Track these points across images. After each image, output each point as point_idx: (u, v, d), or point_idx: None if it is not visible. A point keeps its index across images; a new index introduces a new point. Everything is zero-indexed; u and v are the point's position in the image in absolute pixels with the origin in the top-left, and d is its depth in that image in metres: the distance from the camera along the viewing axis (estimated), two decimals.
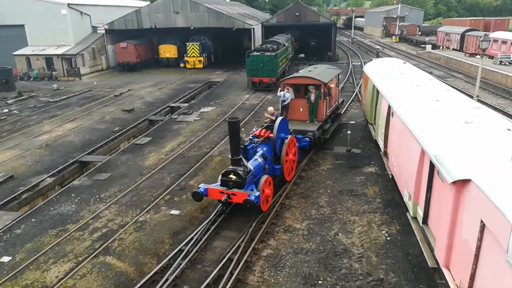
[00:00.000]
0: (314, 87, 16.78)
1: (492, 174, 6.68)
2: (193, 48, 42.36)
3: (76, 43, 41.72)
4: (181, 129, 21.76)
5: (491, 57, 37.81)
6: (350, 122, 21.67)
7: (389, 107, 13.64)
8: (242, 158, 11.65)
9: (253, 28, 41.29)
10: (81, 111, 26.65)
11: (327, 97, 17.50)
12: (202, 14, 41.36)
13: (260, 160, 12.56)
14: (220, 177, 11.82)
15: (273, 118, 14.40)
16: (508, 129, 8.55)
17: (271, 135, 13.25)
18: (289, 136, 13.92)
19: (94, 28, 44.48)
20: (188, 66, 42.60)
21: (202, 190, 11.56)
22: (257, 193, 11.25)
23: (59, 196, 14.26)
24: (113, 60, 43.97)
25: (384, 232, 11.19)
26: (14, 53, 40.52)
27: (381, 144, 15.38)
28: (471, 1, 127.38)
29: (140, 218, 12.44)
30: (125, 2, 58.88)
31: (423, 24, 76.77)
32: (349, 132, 18.04)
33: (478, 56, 36.56)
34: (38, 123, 24.16)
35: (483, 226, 6.33)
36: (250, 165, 12.01)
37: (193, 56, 42.45)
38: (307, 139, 15.88)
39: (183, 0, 42.21)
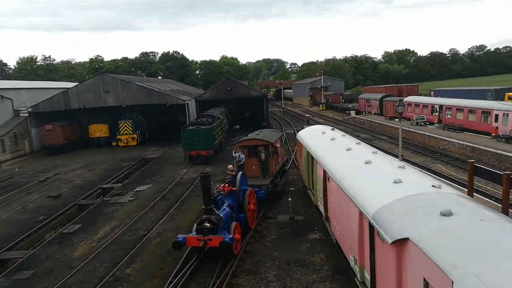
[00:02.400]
0: (263, 147, 19.51)
1: (426, 231, 6.84)
2: (125, 125, 41.67)
3: None
4: (115, 211, 20.38)
5: (408, 119, 41.65)
6: (290, 188, 21.86)
7: (325, 172, 14.00)
8: (213, 208, 13.42)
9: (187, 103, 42.03)
10: None
11: (275, 155, 20.28)
12: (133, 92, 41.48)
13: (227, 209, 14.41)
14: (195, 226, 13.43)
15: (234, 173, 16.34)
16: (433, 186, 9.02)
17: (234, 188, 15.37)
18: (249, 188, 16.13)
19: (17, 112, 42.36)
20: (120, 144, 41.51)
21: (181, 239, 13.14)
22: (231, 235, 13.12)
23: None
24: (38, 144, 41.48)
25: None
26: None
27: (321, 209, 15.51)
28: (384, 70, 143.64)
29: None
30: (51, 84, 57.63)
31: (345, 93, 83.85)
32: (290, 199, 18.09)
33: (397, 119, 40.12)
34: None
35: (426, 285, 6.31)
36: (221, 213, 13.71)
37: (126, 134, 41.62)
38: (263, 191, 18.12)
39: (113, 80, 42.35)
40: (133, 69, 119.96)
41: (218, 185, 15.84)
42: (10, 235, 18.40)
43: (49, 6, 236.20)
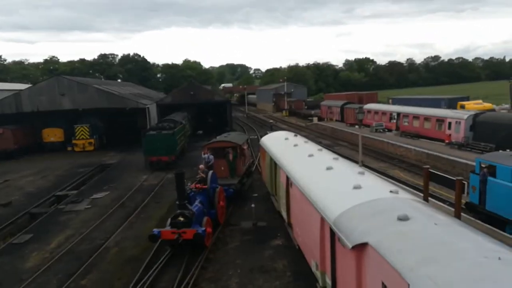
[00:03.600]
0: (231, 148, 20.50)
1: (384, 235, 6.99)
2: (82, 130, 40.12)
3: None
4: (70, 220, 19.48)
5: (368, 126, 42.85)
6: (253, 195, 21.77)
7: (288, 178, 14.08)
8: (186, 204, 14.34)
9: (148, 108, 41.10)
10: None
11: (242, 157, 21.38)
12: (91, 95, 40.05)
13: (199, 205, 15.32)
14: (169, 221, 14.15)
15: (204, 175, 16.94)
16: (391, 191, 9.28)
17: (205, 186, 16.22)
18: (219, 186, 17.17)
19: None
20: (77, 149, 39.90)
21: (156, 232, 13.90)
22: (203, 228, 14.10)
23: None
24: None
25: None
26: None
27: (284, 215, 15.56)
28: (345, 78, 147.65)
29: None
30: (1, 86, 54.60)
31: (307, 99, 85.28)
32: (253, 205, 17.98)
33: (357, 126, 41.18)
34: None
35: None
36: (193, 209, 14.58)
37: (83, 139, 40.08)
38: (231, 189, 19.19)
39: (70, 82, 40.75)
40: (91, 71, 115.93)
41: (189, 183, 16.48)
42: None
43: (2, 4, 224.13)
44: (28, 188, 26.76)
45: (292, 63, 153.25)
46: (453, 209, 15.09)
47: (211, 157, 19.87)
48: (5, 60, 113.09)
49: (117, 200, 22.19)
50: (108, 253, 15.21)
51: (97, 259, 14.74)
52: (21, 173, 31.54)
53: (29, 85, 50.88)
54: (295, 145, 17.30)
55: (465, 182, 15.34)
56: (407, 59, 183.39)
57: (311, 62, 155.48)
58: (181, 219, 13.86)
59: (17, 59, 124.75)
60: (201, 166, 18.00)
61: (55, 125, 41.54)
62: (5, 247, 16.56)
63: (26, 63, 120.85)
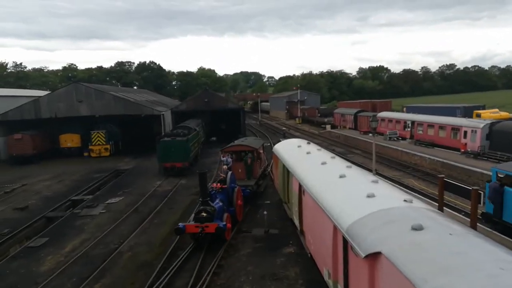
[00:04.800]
0: (249, 152, 22.03)
1: (398, 245, 6.90)
2: (98, 136, 40.82)
3: None
4: (85, 224, 19.76)
5: (381, 134, 42.48)
6: (266, 202, 21.79)
7: (300, 186, 14.05)
8: (209, 201, 15.57)
9: (163, 114, 41.61)
10: None
11: (258, 160, 22.76)
12: (107, 102, 40.77)
13: (220, 203, 16.49)
14: (193, 216, 15.69)
15: (224, 175, 18.37)
16: (405, 200, 9.18)
17: (224, 186, 17.57)
18: (237, 186, 18.52)
19: None
20: (93, 155, 40.60)
21: (181, 226, 15.21)
22: (224, 223, 15.51)
23: None
24: (5, 153, 39.92)
25: None
26: None
27: (296, 222, 15.51)
28: (359, 86, 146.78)
29: None
30: (21, 92, 55.94)
31: (321, 107, 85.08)
32: (265, 212, 18.00)
33: (370, 134, 40.85)
34: None
35: None
36: (214, 206, 15.75)
37: (99, 144, 40.77)
38: (248, 190, 20.51)
39: (87, 89, 41.53)
40: (108, 78, 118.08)
41: (210, 183, 17.86)
42: None
43: (22, 12, 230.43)
44: (45, 192, 27.25)
45: (306, 71, 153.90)
46: (468, 219, 14.84)
47: (230, 159, 21.10)
48: (26, 67, 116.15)
49: (131, 206, 22.44)
50: (121, 258, 15.37)
51: (111, 263, 14.90)
52: (38, 177, 32.18)
53: (48, 92, 52.10)
54: (308, 153, 17.27)
55: (481, 192, 15.08)
56: (422, 67, 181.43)
57: (325, 70, 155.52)
58: (204, 214, 15.11)
59: (37, 66, 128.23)
60: (225, 166, 19.68)
61: (72, 131, 42.40)
62: (21, 250, 16.86)
63: (46, 70, 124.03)
